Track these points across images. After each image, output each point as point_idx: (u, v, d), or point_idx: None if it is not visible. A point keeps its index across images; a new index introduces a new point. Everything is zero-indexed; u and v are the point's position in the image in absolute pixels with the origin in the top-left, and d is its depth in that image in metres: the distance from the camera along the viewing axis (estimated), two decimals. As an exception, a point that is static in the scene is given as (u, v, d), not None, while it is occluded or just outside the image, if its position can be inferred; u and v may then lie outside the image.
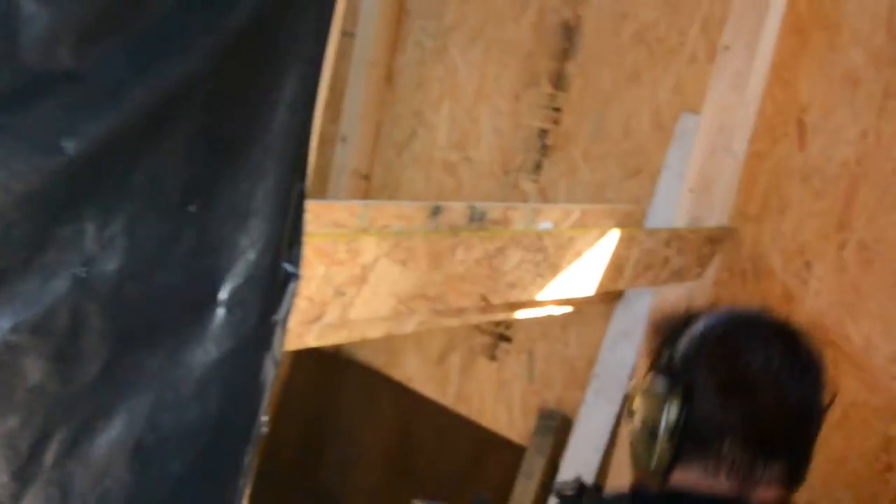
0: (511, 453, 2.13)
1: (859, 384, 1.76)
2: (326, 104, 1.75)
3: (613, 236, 1.56)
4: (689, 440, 0.93)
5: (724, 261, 1.90)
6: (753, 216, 1.88)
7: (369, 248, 1.13)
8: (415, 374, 2.34)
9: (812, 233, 1.83)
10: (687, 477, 0.94)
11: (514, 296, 1.41)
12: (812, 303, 1.82)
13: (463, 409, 2.24)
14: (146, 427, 0.80)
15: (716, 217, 1.83)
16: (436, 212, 1.30)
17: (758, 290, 1.88)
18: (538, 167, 2.13)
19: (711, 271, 1.89)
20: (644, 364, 1.12)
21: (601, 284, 1.59)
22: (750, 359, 0.95)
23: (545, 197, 2.12)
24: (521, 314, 1.66)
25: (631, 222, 1.79)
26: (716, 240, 1.86)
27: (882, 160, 1.73)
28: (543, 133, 2.12)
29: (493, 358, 2.22)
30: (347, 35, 2.29)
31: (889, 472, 1.75)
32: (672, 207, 1.87)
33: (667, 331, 1.01)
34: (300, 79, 0.84)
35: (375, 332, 1.37)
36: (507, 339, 2.20)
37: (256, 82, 0.81)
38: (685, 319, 1.01)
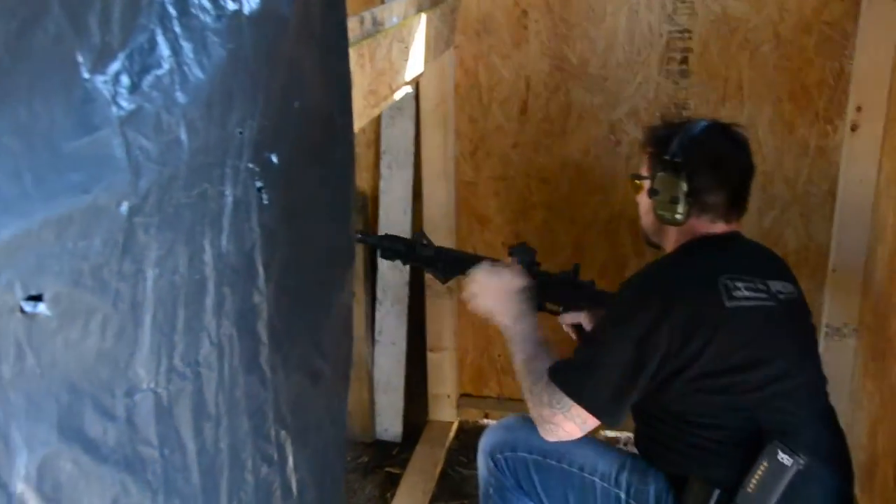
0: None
1: (584, 91, 2.33)
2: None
3: (425, 19, 1.85)
4: (695, 200, 1.58)
5: (460, 25, 2.30)
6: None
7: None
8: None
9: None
10: (699, 224, 1.60)
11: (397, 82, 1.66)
12: (535, 42, 2.32)
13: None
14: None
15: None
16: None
17: (490, 42, 2.34)
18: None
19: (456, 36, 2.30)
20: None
21: (425, 60, 1.88)
22: (721, 146, 1.62)
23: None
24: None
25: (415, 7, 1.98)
26: (455, 8, 2.23)
27: None
28: None
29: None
30: None
31: (618, 147, 2.37)
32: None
33: (659, 138, 1.65)
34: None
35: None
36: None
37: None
38: (673, 129, 1.64)
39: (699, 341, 1.48)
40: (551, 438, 1.58)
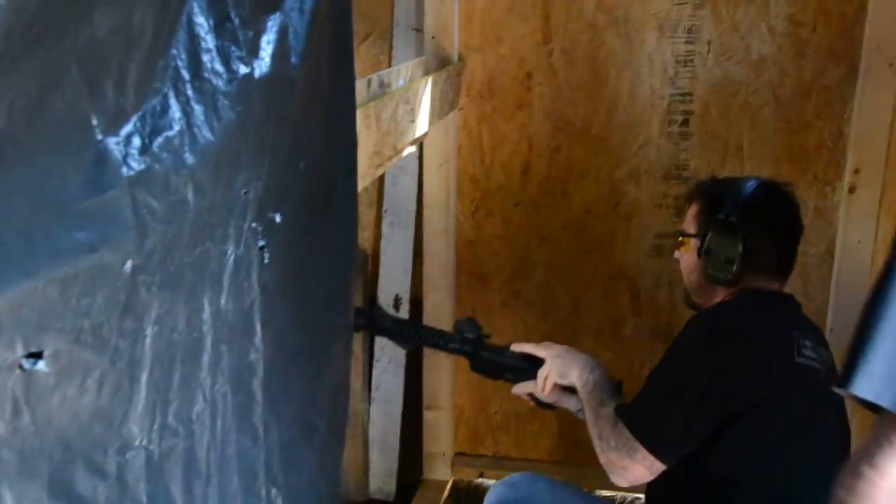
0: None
1: (585, 152, 2.34)
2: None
3: (430, 81, 1.90)
4: (750, 261, 1.55)
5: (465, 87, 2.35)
6: (476, 47, 2.32)
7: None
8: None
9: (527, 49, 2.29)
10: (753, 282, 1.58)
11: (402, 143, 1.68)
12: (538, 103, 2.33)
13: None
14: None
15: (453, 54, 2.28)
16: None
17: (494, 104, 2.36)
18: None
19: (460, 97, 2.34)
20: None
21: (430, 121, 1.90)
22: (774, 207, 1.62)
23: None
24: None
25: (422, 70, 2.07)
26: (461, 71, 2.30)
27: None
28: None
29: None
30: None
31: (618, 207, 2.37)
32: (411, 53, 2.35)
33: (708, 195, 1.63)
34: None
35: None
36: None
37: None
38: (722, 185, 1.65)
39: (760, 388, 1.45)
40: (622, 483, 1.54)
